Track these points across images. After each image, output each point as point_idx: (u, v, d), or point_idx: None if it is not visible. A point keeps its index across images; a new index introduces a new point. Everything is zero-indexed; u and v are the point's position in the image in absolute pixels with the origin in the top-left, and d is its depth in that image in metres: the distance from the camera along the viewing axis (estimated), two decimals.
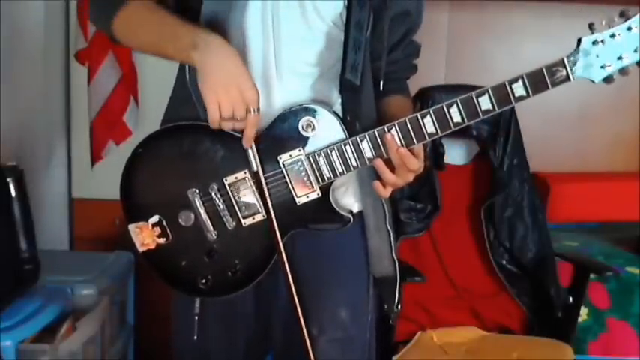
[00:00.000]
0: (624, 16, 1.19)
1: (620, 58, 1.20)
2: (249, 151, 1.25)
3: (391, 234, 1.41)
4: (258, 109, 1.20)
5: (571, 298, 2.24)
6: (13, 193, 1.91)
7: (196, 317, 1.38)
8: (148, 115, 2.65)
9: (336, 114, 1.29)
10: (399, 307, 1.47)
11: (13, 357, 1.78)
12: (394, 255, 1.42)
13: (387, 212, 1.40)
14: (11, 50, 2.29)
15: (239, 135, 1.26)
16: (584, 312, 2.48)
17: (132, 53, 2.63)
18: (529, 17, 2.99)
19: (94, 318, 2.12)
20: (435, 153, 2.34)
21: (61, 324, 1.95)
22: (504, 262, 2.35)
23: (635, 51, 1.20)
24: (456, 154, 2.47)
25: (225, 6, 1.29)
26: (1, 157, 2.00)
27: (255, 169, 1.26)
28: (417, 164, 1.25)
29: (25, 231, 1.93)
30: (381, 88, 1.39)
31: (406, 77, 1.52)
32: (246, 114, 1.19)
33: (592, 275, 2.26)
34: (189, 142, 1.29)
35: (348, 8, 1.30)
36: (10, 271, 1.90)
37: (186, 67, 1.30)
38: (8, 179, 1.90)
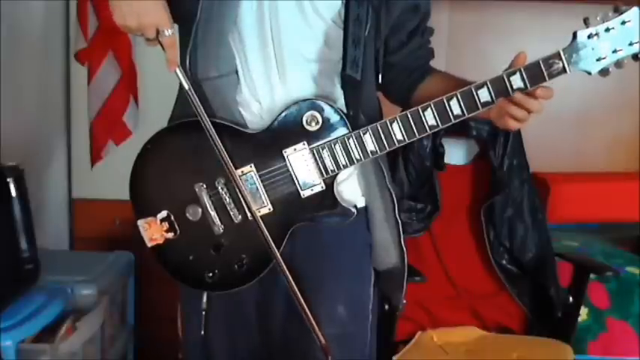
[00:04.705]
0: (618, 10, 1.22)
1: (615, 51, 1.23)
2: (178, 72, 1.26)
3: (400, 223, 1.43)
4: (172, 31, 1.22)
5: (571, 298, 2.24)
6: (13, 193, 1.90)
7: (203, 312, 1.40)
8: (147, 115, 2.65)
9: (339, 109, 1.31)
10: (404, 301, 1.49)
11: (13, 357, 1.78)
12: (403, 244, 1.43)
13: (395, 202, 1.42)
14: (11, 50, 2.28)
15: (244, 130, 1.30)
16: (584, 312, 2.48)
17: (132, 53, 2.63)
18: (529, 17, 2.99)
19: (94, 318, 2.12)
20: (435, 153, 2.34)
21: (61, 324, 1.95)
22: (504, 262, 2.35)
23: (630, 44, 1.22)
24: (455, 155, 2.47)
25: (221, 6, 1.31)
26: (1, 157, 1.99)
27: (187, 87, 1.26)
28: (536, 105, 1.25)
29: (25, 231, 1.93)
30: (380, 80, 1.41)
31: (429, 61, 1.52)
32: (157, 35, 1.21)
33: (592, 275, 2.25)
34: (197, 138, 1.30)
35: (346, 5, 1.32)
36: (10, 271, 1.89)
37: (187, 66, 1.31)
38: (8, 179, 1.90)
